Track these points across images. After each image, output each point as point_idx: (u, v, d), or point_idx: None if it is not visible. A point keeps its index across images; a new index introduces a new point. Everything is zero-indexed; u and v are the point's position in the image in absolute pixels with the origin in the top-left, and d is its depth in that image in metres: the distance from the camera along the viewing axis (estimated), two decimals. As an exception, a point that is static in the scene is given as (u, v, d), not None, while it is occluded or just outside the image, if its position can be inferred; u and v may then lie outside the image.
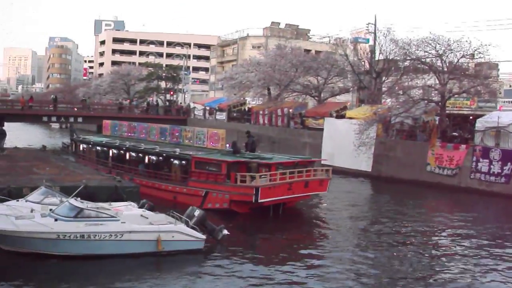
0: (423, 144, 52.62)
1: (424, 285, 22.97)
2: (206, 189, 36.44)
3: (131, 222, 25.12)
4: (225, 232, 27.74)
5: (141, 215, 26.67)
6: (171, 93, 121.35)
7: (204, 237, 26.46)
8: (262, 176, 34.68)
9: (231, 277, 23.12)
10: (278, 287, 22.12)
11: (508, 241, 31.56)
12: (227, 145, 41.27)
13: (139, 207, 28.48)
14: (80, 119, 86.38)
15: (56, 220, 23.99)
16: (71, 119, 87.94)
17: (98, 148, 49.27)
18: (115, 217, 24.99)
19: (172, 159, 40.36)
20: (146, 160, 42.82)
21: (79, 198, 26.42)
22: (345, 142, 55.19)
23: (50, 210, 24.89)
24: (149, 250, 24.94)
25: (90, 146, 50.93)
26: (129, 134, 50.86)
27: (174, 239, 25.47)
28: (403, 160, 53.70)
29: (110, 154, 47.10)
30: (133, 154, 44.50)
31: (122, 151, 45.93)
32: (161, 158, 41.48)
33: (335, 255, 27.48)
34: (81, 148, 53.08)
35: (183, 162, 39.05)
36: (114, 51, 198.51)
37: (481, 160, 47.38)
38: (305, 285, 22.48)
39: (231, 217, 33.84)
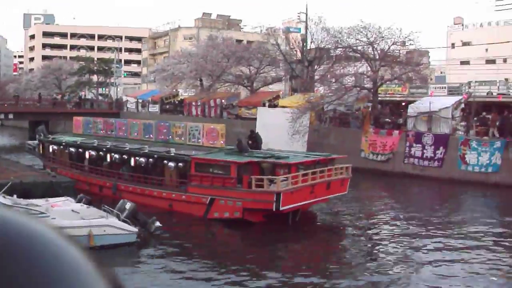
0: (357, 131, 53.04)
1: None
2: (211, 195, 31.59)
3: (61, 218, 24.58)
4: (158, 224, 27.41)
5: (72, 210, 26.25)
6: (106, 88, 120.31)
7: (136, 230, 26.11)
8: (283, 179, 30.19)
9: (163, 269, 22.86)
10: (210, 274, 21.93)
11: (446, 223, 32.01)
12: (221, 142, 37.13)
13: (77, 202, 28.14)
14: (10, 116, 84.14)
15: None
16: (1, 116, 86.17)
17: (72, 149, 42.77)
18: (45, 213, 24.46)
19: (165, 161, 34.90)
20: (132, 163, 36.88)
21: (15, 196, 26.00)
22: (278, 131, 54.90)
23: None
24: (81, 246, 24.39)
25: (62, 147, 44.43)
26: (106, 132, 44.66)
27: (106, 233, 25.01)
28: (338, 147, 53.77)
29: (87, 156, 41.22)
30: (116, 156, 38.39)
31: (102, 153, 39.81)
32: (151, 159, 35.70)
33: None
34: (50, 149, 46.12)
35: (180, 164, 33.74)
36: (44, 46, 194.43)
37: (414, 145, 48.03)
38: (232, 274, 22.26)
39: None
